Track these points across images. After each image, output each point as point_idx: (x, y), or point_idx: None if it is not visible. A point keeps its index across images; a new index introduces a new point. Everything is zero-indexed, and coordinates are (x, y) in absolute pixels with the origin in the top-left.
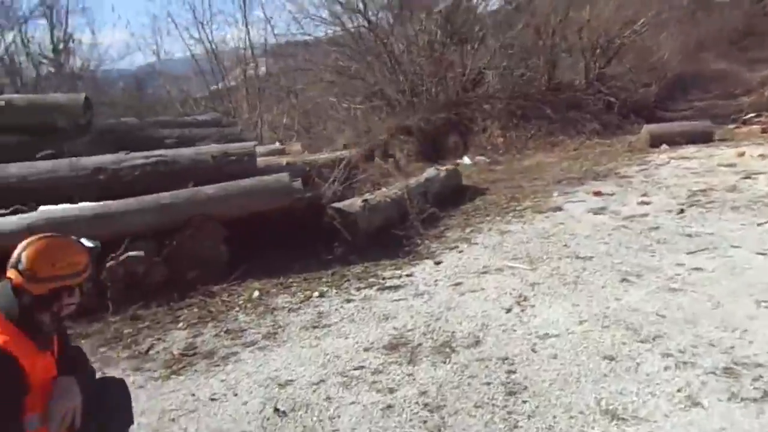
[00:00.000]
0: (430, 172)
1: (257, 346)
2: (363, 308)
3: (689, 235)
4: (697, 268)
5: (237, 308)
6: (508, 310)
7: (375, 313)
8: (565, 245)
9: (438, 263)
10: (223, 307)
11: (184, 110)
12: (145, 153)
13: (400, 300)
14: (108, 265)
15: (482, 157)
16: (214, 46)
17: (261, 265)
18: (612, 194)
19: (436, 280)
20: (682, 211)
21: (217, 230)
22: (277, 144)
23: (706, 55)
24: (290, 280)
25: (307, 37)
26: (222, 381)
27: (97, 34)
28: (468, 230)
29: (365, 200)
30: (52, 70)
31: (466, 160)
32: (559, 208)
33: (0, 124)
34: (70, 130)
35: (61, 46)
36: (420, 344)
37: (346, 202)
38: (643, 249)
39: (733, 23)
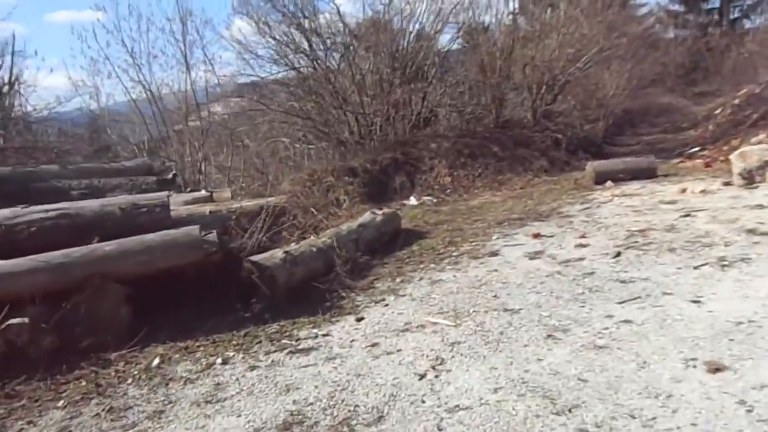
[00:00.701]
0: (366, 216)
1: (137, 430)
2: (266, 377)
3: (623, 282)
4: (626, 321)
5: (130, 380)
6: (422, 377)
7: (278, 384)
8: (495, 296)
9: (359, 320)
10: (116, 379)
11: (111, 157)
12: (45, 206)
13: (308, 366)
14: None
15: (429, 197)
16: (156, 89)
17: (169, 326)
18: (551, 236)
19: (352, 341)
20: (618, 254)
21: (116, 291)
22: (203, 191)
23: (653, 90)
24: (197, 343)
25: (253, 78)
26: None
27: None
28: (398, 280)
29: (286, 252)
30: None
31: (413, 200)
32: (495, 253)
33: None
34: None
35: (5, 88)
36: (317, 422)
37: (265, 255)
38: (574, 299)
39: (679, 59)
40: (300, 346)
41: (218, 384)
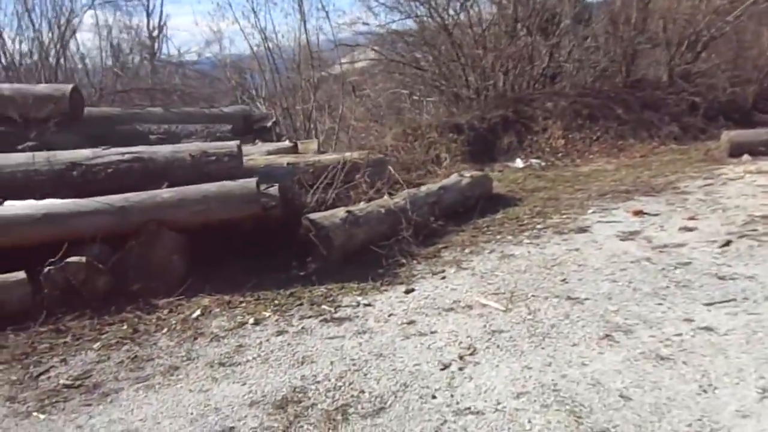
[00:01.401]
0: (451, 178)
1: (146, 384)
2: (288, 345)
3: (721, 278)
4: (706, 328)
5: (166, 329)
6: (445, 367)
7: (296, 354)
8: (564, 279)
9: (409, 291)
10: (153, 327)
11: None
12: (122, 149)
13: (335, 338)
14: (46, 270)
15: (537, 161)
16: (273, 37)
17: (222, 277)
18: (656, 214)
19: (390, 314)
20: (727, 243)
21: (170, 239)
22: (286, 142)
23: None
24: (241, 299)
25: (370, 27)
26: (78, 429)
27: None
28: (467, 251)
29: (349, 211)
30: (147, 57)
31: (518, 162)
32: (584, 229)
33: None
34: (57, 122)
35: (155, 33)
36: (314, 404)
37: (325, 213)
38: (653, 293)
39: None
40: (336, 315)
41: (240, 346)
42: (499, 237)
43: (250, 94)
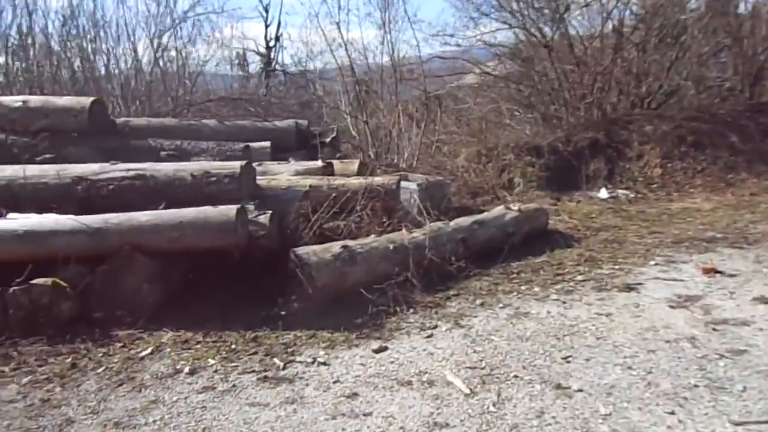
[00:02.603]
0: (494, 211)
1: None
2: (203, 408)
3: None
4: None
5: (102, 369)
6: None
7: (200, 423)
8: (567, 358)
9: (379, 351)
10: (93, 364)
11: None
12: (129, 165)
13: (256, 405)
14: (11, 290)
15: (625, 192)
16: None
17: (195, 311)
18: (733, 275)
19: (336, 381)
20: None
21: (142, 266)
22: (319, 162)
23: None
24: (200, 338)
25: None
26: None
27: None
28: (478, 302)
29: (345, 246)
30: (262, 65)
31: (603, 193)
32: (632, 287)
33: (14, 124)
34: (78, 134)
35: (272, 42)
36: None
37: (317, 247)
38: (672, 394)
39: None
40: (282, 373)
41: (155, 401)
42: (524, 288)
43: (336, 107)
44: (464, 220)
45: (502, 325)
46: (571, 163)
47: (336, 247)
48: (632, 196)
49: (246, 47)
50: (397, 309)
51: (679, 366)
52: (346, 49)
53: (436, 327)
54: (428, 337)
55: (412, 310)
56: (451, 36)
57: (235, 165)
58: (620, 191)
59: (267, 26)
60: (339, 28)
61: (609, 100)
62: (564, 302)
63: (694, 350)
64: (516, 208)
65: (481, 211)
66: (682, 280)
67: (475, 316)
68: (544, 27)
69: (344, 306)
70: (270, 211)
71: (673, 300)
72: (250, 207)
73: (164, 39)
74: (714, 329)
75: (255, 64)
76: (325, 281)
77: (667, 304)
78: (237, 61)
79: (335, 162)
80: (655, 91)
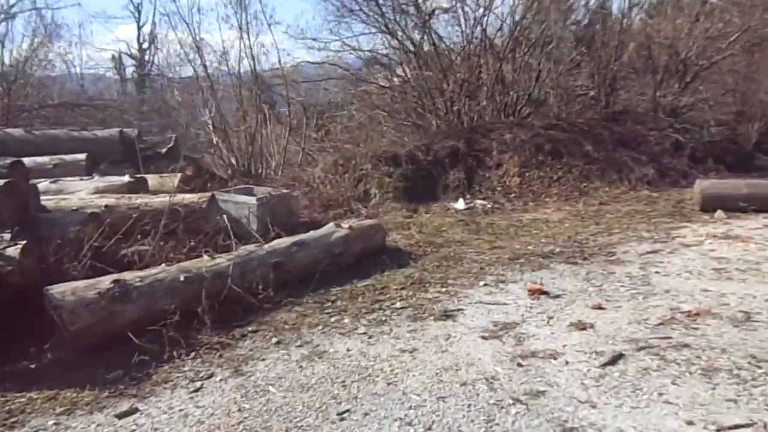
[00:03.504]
0: (322, 229)
1: None
2: None
3: (572, 430)
4: None
5: None
6: None
7: None
8: (342, 414)
9: (124, 415)
10: None
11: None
12: None
13: None
14: None
15: (482, 202)
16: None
17: None
18: (558, 296)
19: None
20: (615, 360)
21: None
22: (126, 177)
23: None
24: None
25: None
26: None
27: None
28: (274, 341)
29: (117, 281)
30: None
31: (460, 204)
32: (450, 315)
33: None
34: None
35: (145, 45)
36: None
37: (80, 284)
38: None
39: None
40: None
41: None
42: (334, 320)
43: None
44: (282, 242)
45: (289, 369)
46: (431, 172)
47: (106, 282)
48: (489, 206)
49: (119, 50)
50: (174, 354)
51: (465, 418)
52: (200, 54)
53: (211, 376)
54: (195, 391)
55: (193, 354)
56: (314, 40)
57: None
58: (478, 201)
59: (140, 27)
60: (190, 30)
61: (476, 108)
62: (370, 336)
63: (489, 394)
64: (346, 225)
65: (319, 227)
66: (504, 304)
67: (264, 359)
68: (412, 33)
69: (110, 355)
70: (24, 242)
71: (488, 329)
72: (4, 236)
73: None
74: (519, 365)
75: (130, 68)
76: (81, 325)
77: (480, 335)
78: (113, 65)
79: (151, 176)
80: (523, 100)
